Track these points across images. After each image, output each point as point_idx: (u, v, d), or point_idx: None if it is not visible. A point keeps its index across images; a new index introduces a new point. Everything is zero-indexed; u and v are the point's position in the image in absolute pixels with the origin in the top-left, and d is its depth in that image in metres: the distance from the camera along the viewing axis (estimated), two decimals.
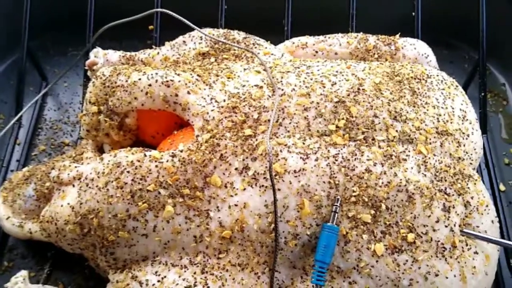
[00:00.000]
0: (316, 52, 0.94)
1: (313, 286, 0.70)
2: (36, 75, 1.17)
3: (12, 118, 1.07)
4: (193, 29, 0.93)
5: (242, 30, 0.98)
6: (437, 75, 0.87)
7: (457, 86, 0.88)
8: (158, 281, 0.71)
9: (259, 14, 1.13)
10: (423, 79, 0.84)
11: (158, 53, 0.95)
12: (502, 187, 1.03)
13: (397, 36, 0.97)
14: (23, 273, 0.81)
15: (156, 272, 0.72)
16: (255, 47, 0.92)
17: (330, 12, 1.12)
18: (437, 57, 0.97)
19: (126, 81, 0.82)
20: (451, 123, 0.81)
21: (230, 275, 0.71)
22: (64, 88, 1.18)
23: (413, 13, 1.07)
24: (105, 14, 0.98)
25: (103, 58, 0.97)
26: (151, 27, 1.05)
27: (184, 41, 0.94)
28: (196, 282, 0.71)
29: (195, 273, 0.72)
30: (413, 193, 0.73)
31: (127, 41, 1.21)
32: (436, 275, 0.71)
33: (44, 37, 1.22)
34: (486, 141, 1.06)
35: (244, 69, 0.85)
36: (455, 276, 0.71)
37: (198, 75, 0.83)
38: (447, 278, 0.71)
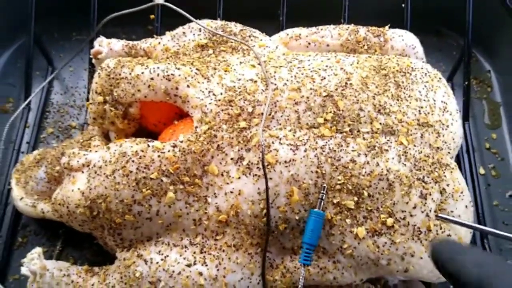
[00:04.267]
0: (309, 43, 0.97)
1: (300, 265, 0.77)
2: (41, 59, 1.19)
3: (21, 101, 1.12)
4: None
5: (239, 19, 1.00)
6: (422, 68, 0.91)
7: (440, 78, 0.92)
8: (162, 259, 0.78)
9: (256, 4, 1.15)
10: (408, 72, 0.89)
11: (159, 43, 0.98)
12: (481, 171, 1.09)
13: (386, 27, 0.99)
14: (38, 249, 0.86)
15: (159, 251, 0.79)
16: (251, 39, 0.96)
17: (324, 2, 1.14)
18: (427, 44, 1.00)
19: (130, 73, 0.87)
20: (432, 114, 0.86)
21: (226, 255, 0.78)
22: (69, 72, 1.21)
23: (403, 3, 1.09)
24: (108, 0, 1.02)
25: (107, 47, 1.01)
26: (152, 16, 1.08)
27: (183, 32, 0.98)
28: (195, 260, 0.78)
29: (194, 252, 0.79)
30: (393, 182, 0.79)
31: (129, 27, 1.24)
32: (412, 256, 0.78)
33: (48, 21, 1.23)
34: (468, 127, 1.10)
35: (240, 63, 0.89)
36: (429, 256, 0.78)
37: (197, 68, 0.87)
38: (421, 258, 0.78)
